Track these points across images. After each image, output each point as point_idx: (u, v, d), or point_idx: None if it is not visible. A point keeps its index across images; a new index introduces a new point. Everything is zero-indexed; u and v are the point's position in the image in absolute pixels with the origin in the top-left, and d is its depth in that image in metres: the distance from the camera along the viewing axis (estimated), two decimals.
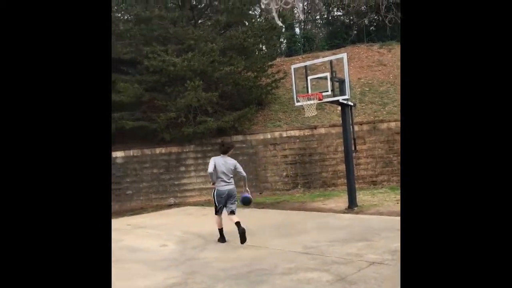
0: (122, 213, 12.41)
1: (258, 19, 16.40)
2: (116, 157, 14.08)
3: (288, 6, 4.25)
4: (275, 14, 4.50)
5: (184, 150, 14.10)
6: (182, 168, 14.11)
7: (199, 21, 14.98)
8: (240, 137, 14.01)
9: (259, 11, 17.22)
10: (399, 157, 13.32)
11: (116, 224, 9.82)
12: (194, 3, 14.77)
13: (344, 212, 9.37)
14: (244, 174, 7.26)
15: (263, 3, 4.19)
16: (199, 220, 10.07)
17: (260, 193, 13.62)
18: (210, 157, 14.01)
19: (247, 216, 9.99)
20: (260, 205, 11.59)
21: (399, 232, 7.15)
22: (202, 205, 12.66)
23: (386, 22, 18.78)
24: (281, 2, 4.01)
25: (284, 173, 13.80)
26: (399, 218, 8.09)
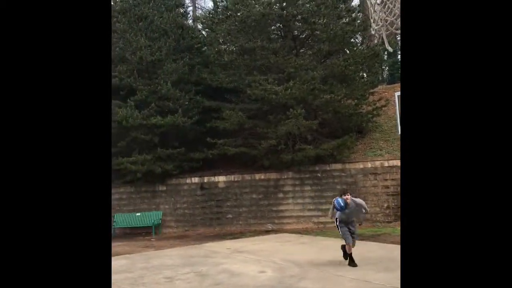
0: (222, 236, 12.80)
1: (360, 47, 16.25)
2: (218, 182, 14.67)
3: (398, 31, 4.18)
4: (385, 40, 4.44)
5: (283, 177, 14.24)
6: (280, 195, 14.23)
7: (301, 50, 15.26)
8: (339, 166, 13.80)
9: (361, 38, 17.08)
10: None
11: (217, 247, 10.16)
12: (296, 33, 15.12)
13: None
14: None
15: (373, 28, 4.17)
16: (297, 248, 10.02)
17: (360, 224, 13.18)
18: (307, 184, 14.04)
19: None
20: (359, 237, 11.21)
21: None
22: (300, 233, 12.59)
23: None
24: (392, 27, 3.95)
25: (385, 205, 13.24)
26: None
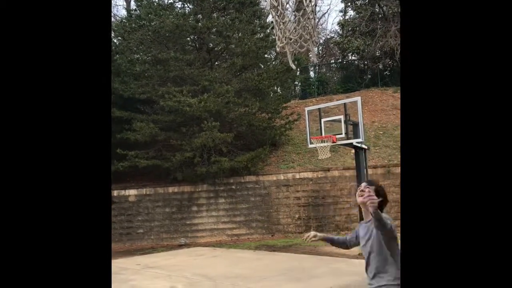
0: (133, 252, 12.29)
1: (274, 62, 16.73)
2: (129, 195, 14.11)
3: (303, 50, 4.33)
4: (289, 57, 4.59)
5: (197, 190, 14.08)
6: (194, 208, 14.04)
7: (216, 63, 15.34)
8: (253, 178, 13.97)
9: (275, 54, 17.60)
10: None
11: (126, 263, 9.72)
12: (211, 46, 15.18)
13: (357, 258, 9.13)
14: None
15: (278, 46, 4.28)
16: (210, 261, 9.91)
17: (272, 235, 13.42)
18: (222, 196, 14.02)
19: (257, 259, 9.82)
20: (271, 248, 11.40)
21: None
22: (213, 246, 12.49)
23: None
24: (296, 45, 4.09)
25: (297, 216, 13.63)
26: None
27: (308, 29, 4.24)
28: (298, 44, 4.02)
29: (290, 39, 4.09)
